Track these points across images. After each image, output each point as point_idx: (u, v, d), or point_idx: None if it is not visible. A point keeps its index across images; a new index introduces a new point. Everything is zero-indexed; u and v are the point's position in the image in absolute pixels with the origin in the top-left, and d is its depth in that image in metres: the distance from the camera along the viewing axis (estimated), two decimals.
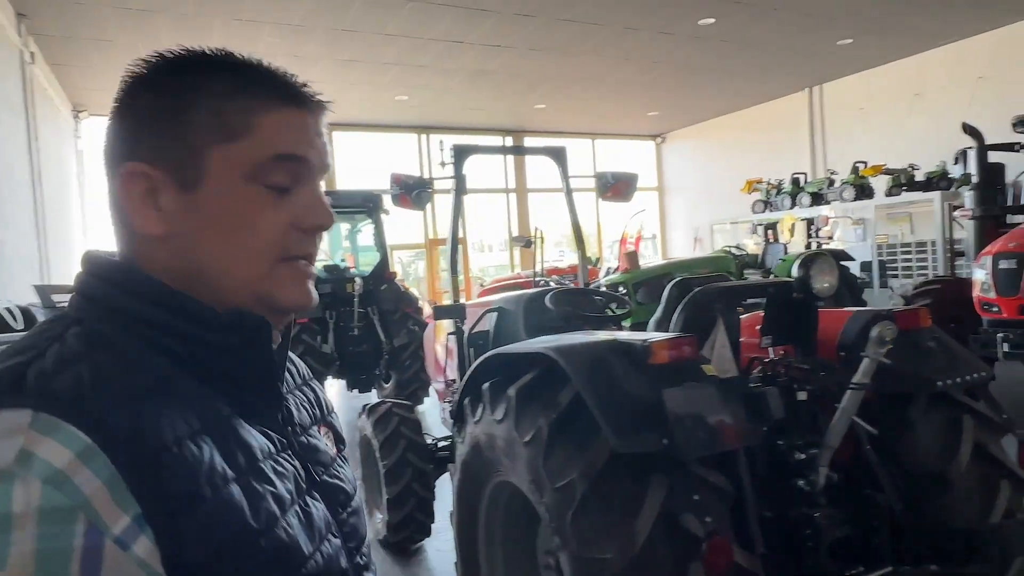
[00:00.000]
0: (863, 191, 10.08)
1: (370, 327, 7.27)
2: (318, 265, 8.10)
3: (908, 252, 9.55)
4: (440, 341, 4.21)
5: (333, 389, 8.28)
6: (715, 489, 1.61)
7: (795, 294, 2.07)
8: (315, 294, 0.74)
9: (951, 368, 2.05)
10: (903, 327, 1.98)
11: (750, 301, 2.34)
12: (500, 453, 1.99)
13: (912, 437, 2.03)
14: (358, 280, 7.17)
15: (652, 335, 1.74)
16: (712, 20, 9.41)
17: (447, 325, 4.16)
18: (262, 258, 0.68)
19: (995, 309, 4.97)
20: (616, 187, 3.77)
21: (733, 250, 9.73)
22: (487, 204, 16.53)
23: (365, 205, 7.62)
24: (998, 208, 6.14)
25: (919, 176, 9.47)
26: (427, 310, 15.46)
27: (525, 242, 11.15)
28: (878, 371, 1.92)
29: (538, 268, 10.99)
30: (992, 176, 6.22)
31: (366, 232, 7.91)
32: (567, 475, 1.63)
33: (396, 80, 11.45)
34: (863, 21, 9.85)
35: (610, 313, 3.36)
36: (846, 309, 2.27)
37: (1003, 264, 4.89)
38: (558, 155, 3.79)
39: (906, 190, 9.51)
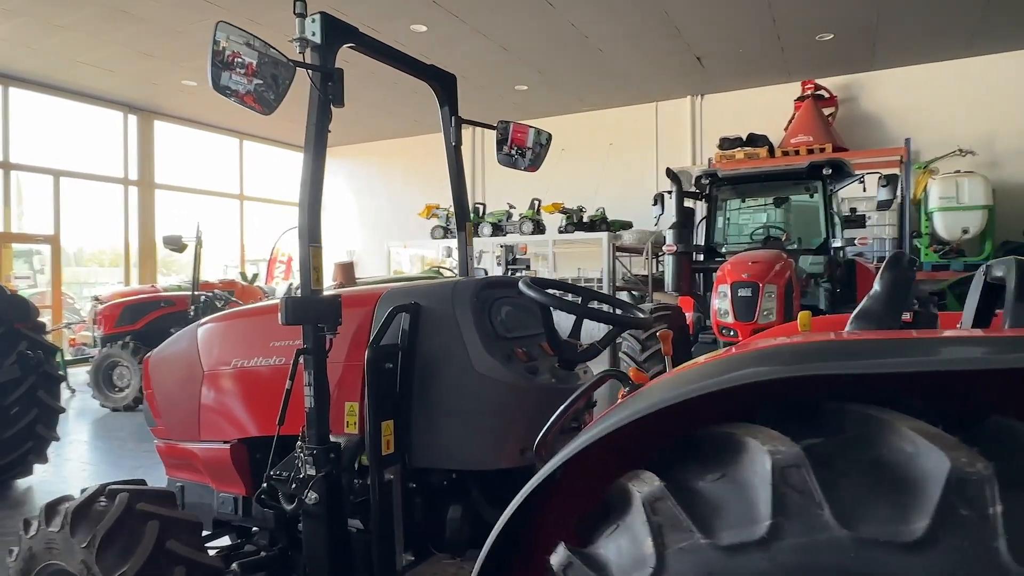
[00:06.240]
0: (538, 226, 10.74)
1: None
2: None
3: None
4: (220, 367, 2.43)
5: None
6: None
7: None
8: None
9: None
10: None
11: None
12: None
13: None
14: None
15: None
16: (424, 28, 8.89)
17: (249, 334, 2.43)
18: None
19: (732, 333, 5.47)
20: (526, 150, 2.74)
21: (443, 270, 9.20)
22: (98, 199, 12.56)
23: None
24: (692, 246, 6.98)
25: (585, 218, 10.54)
26: (68, 327, 10.98)
27: (177, 244, 8.60)
28: None
29: (197, 277, 8.63)
30: (686, 218, 7.05)
31: None
32: None
33: None
34: (543, 70, 10.64)
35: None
36: None
37: (741, 292, 5.42)
38: (446, 82, 2.59)
39: (575, 229, 10.46)
